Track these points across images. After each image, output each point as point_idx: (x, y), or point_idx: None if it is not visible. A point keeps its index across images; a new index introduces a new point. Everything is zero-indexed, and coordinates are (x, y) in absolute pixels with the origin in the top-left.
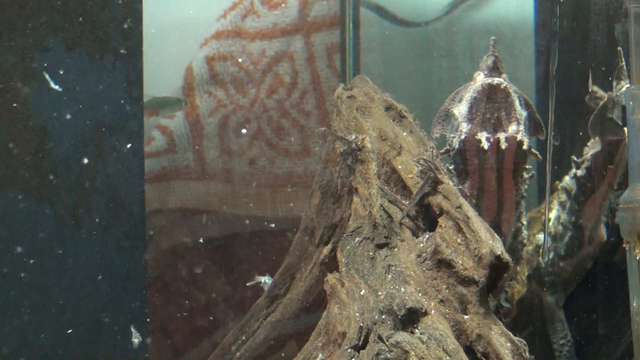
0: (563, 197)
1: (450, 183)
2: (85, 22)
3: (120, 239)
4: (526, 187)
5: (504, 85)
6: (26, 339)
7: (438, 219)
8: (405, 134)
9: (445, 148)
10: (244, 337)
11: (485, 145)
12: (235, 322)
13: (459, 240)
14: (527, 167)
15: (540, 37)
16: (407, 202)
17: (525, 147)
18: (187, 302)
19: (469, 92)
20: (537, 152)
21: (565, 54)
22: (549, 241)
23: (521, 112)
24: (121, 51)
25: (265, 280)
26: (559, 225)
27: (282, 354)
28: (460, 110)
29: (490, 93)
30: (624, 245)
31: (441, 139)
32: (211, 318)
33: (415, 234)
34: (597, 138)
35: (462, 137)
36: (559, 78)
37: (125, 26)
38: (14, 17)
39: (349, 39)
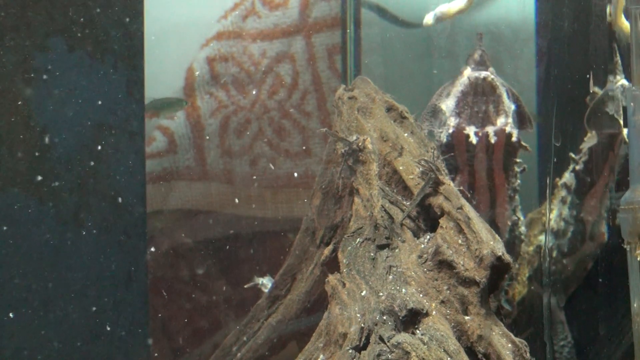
0: (563, 193)
1: (451, 184)
2: (86, 22)
3: (121, 239)
4: (519, 181)
5: (491, 78)
6: (27, 340)
7: (439, 220)
8: (406, 135)
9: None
10: (245, 338)
11: (474, 139)
12: (236, 323)
13: (460, 241)
14: (517, 160)
15: (541, 38)
16: (408, 203)
17: (514, 139)
18: (188, 302)
19: (456, 87)
20: (527, 145)
21: (566, 55)
22: (551, 239)
23: (509, 105)
24: (122, 52)
25: (264, 281)
26: (561, 222)
27: (283, 355)
28: (448, 104)
29: (477, 86)
30: (625, 246)
31: (430, 135)
32: (212, 319)
33: (417, 235)
34: (593, 132)
35: (450, 130)
36: (560, 79)
37: (127, 27)
38: (15, 18)
39: (350, 39)
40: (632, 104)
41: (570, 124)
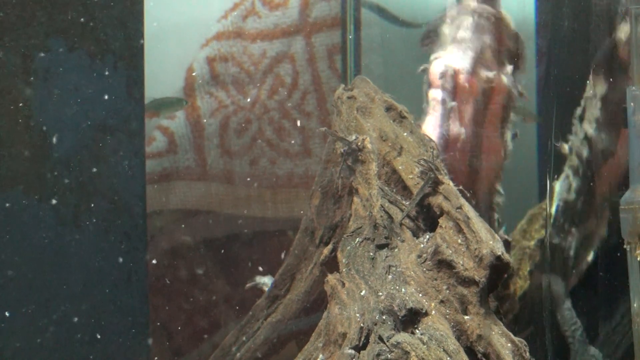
0: (575, 161)
1: (451, 184)
2: (86, 22)
3: (121, 239)
4: (511, 147)
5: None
6: (26, 340)
7: (438, 220)
8: (405, 134)
9: (423, 66)
10: (244, 338)
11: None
12: (235, 323)
13: (459, 241)
14: (514, 105)
15: (541, 38)
16: (407, 203)
17: (509, 86)
18: (187, 302)
19: (464, 20)
20: (523, 92)
21: (566, 55)
22: (561, 208)
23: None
24: (122, 52)
25: (265, 281)
26: (572, 193)
27: (283, 355)
28: (450, 33)
29: (481, 22)
30: (625, 246)
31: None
32: (212, 319)
33: (416, 235)
34: (601, 79)
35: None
36: (560, 79)
37: (127, 27)
38: (15, 18)
39: (349, 39)
40: (632, 103)
41: (570, 124)
